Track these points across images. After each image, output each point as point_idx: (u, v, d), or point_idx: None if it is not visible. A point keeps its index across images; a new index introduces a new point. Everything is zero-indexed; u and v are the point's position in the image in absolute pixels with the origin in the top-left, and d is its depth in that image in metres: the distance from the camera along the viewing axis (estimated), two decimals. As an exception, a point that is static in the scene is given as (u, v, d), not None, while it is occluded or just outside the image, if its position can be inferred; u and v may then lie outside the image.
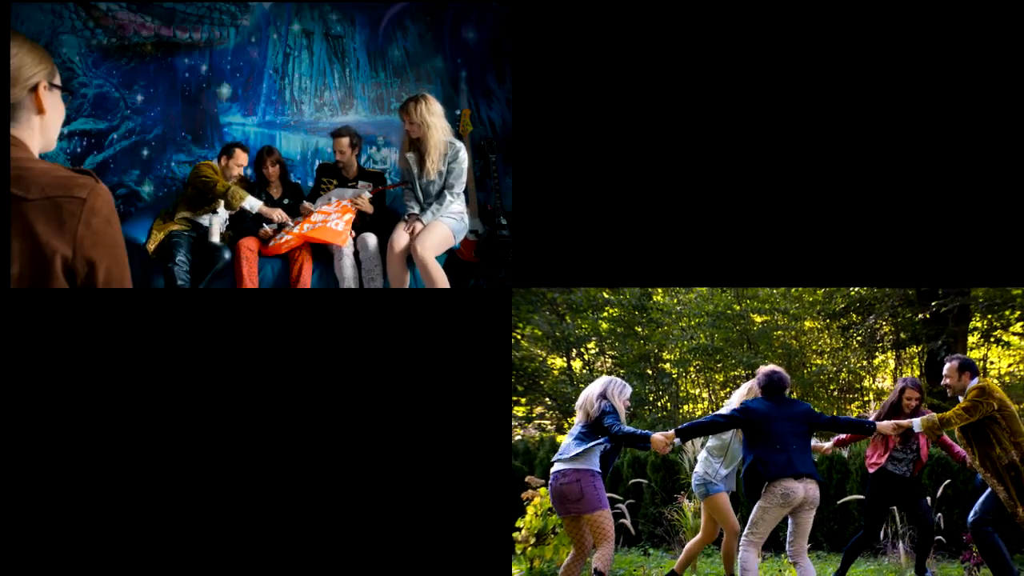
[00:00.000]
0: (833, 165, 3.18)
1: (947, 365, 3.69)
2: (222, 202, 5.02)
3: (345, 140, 5.17)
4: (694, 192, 3.19)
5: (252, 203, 4.97)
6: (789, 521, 3.34)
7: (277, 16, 5.73)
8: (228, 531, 2.52)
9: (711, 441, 3.89)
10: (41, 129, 1.83)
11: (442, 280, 4.51)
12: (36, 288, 1.67)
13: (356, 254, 4.90)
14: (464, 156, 4.82)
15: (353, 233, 4.97)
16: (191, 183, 5.01)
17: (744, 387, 3.88)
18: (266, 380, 2.56)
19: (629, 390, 3.67)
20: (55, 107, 1.86)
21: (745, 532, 3.34)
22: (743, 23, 3.17)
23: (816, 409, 3.65)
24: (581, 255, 3.20)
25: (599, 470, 3.43)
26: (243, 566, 2.52)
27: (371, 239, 4.86)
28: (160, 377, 2.51)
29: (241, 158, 5.12)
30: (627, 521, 4.82)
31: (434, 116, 4.66)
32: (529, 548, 4.09)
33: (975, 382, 3.52)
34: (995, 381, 3.64)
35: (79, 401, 2.46)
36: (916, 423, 3.63)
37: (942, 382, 3.74)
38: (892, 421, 3.71)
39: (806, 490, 3.25)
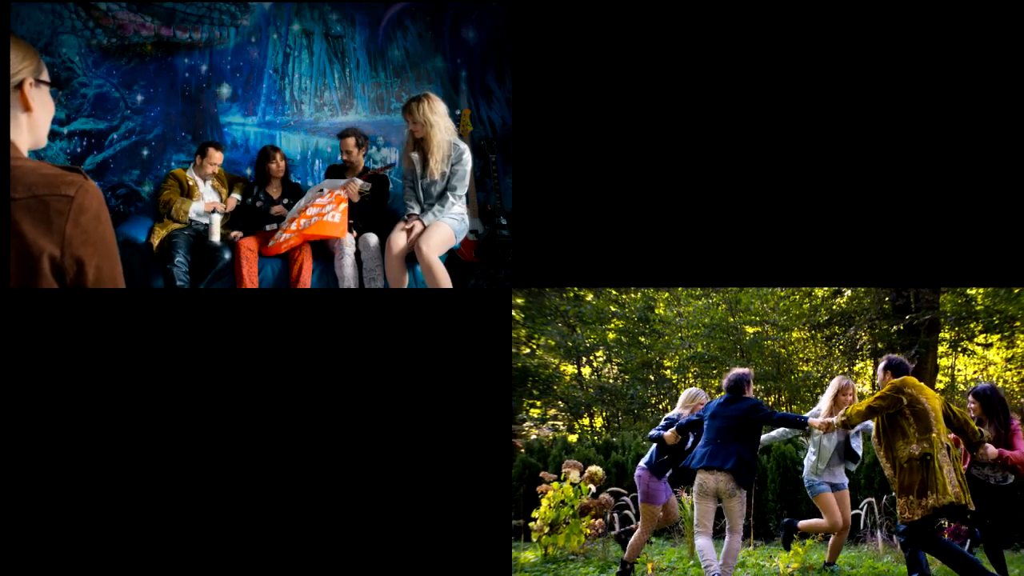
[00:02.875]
0: (833, 166, 3.17)
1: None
2: (216, 204, 5.10)
3: (351, 140, 5.18)
4: (694, 192, 3.19)
5: (197, 207, 5.04)
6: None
7: (277, 16, 5.73)
8: (229, 530, 2.52)
9: (808, 444, 4.27)
10: (29, 127, 1.79)
11: (445, 280, 4.50)
12: (36, 288, 1.65)
13: (357, 254, 4.90)
14: (468, 158, 4.78)
15: (354, 233, 4.97)
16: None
17: (831, 388, 4.11)
18: (266, 380, 2.56)
19: (701, 396, 4.21)
20: (43, 104, 1.81)
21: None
22: (743, 23, 3.17)
23: (802, 412, 4.03)
24: (581, 255, 3.20)
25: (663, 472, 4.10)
26: (244, 565, 2.52)
27: (372, 239, 4.85)
28: (160, 378, 2.51)
29: (214, 157, 5.17)
30: (631, 512, 5.13)
31: (437, 115, 4.63)
32: (543, 536, 4.53)
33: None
34: (915, 380, 3.62)
35: (78, 402, 2.46)
36: (833, 420, 3.72)
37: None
38: (823, 419, 3.79)
39: (716, 481, 3.58)
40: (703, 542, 3.65)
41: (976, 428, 3.58)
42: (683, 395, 4.31)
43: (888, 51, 3.15)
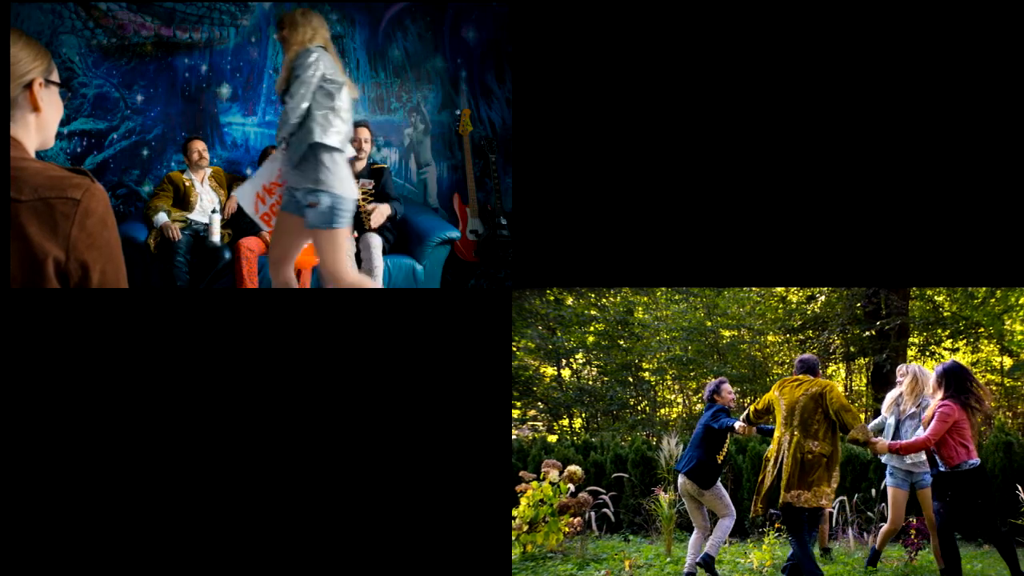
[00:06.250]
0: (833, 167, 3.18)
1: None
2: (216, 203, 5.11)
3: (365, 131, 5.15)
4: (694, 192, 3.19)
5: (159, 219, 4.97)
6: None
7: (277, 16, 5.74)
8: (230, 530, 2.52)
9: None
10: (37, 127, 1.77)
11: (361, 280, 4.02)
12: (36, 288, 1.64)
13: (356, 254, 4.90)
14: (312, 60, 3.54)
15: (355, 233, 4.97)
16: None
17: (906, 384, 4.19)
18: (266, 380, 2.56)
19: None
20: (52, 104, 1.80)
21: None
22: (743, 23, 3.17)
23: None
24: (581, 255, 3.20)
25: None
26: (245, 565, 2.52)
27: (373, 239, 4.86)
28: (160, 378, 2.51)
29: (192, 146, 5.19)
30: (609, 511, 5.20)
31: (293, 29, 3.63)
32: (523, 535, 4.61)
33: None
34: (788, 379, 3.75)
35: (78, 402, 2.46)
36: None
37: None
38: (741, 423, 3.95)
39: (683, 483, 4.03)
40: (693, 537, 4.05)
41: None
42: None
43: (872, 55, 3.16)
